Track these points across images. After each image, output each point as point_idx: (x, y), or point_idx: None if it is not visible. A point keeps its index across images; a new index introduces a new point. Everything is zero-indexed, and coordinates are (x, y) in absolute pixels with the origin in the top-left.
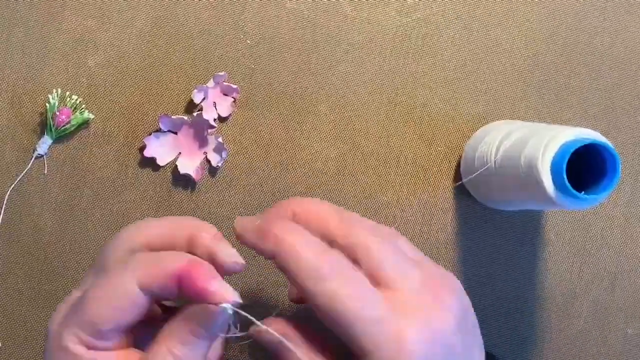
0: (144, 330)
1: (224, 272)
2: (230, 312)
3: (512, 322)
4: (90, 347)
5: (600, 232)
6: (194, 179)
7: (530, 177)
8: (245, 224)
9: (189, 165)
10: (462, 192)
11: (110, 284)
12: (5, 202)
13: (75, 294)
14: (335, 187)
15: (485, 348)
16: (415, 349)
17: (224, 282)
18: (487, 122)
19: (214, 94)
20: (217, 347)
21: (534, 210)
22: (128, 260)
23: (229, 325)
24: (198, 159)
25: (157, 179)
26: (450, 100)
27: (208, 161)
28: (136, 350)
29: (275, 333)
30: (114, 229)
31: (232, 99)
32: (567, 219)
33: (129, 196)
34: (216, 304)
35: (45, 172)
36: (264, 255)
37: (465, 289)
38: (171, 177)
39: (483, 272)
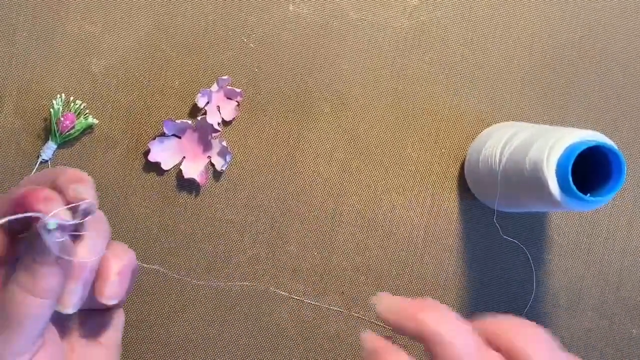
0: None
1: (71, 200)
2: (52, 225)
3: None
4: None
5: (605, 232)
6: (198, 183)
7: (535, 179)
8: (387, 303)
9: (193, 170)
10: (466, 193)
11: None
12: None
13: None
14: (339, 190)
15: None
16: None
17: (59, 203)
18: (491, 124)
19: (218, 97)
20: (77, 290)
21: (539, 211)
22: None
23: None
24: (202, 163)
25: (161, 184)
26: (454, 102)
27: (212, 165)
28: None
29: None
30: (119, 234)
31: (236, 103)
32: (572, 220)
33: (134, 201)
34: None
35: None
36: (408, 335)
37: (470, 290)
38: (176, 181)
39: (487, 273)
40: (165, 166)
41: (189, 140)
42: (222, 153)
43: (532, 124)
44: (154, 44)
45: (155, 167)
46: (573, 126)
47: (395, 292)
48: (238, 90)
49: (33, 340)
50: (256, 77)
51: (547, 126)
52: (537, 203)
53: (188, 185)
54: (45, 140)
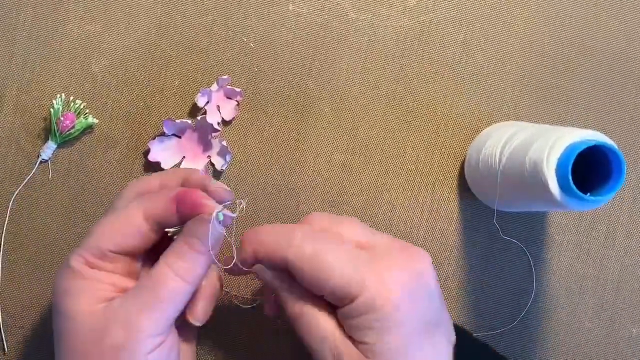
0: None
1: (216, 199)
2: (222, 217)
3: (517, 322)
4: (93, 267)
5: (605, 232)
6: None
7: (535, 178)
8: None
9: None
10: (465, 193)
11: (117, 214)
12: (10, 207)
13: None
14: (339, 189)
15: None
16: (398, 285)
17: (215, 202)
18: (491, 123)
19: (218, 97)
20: (214, 281)
21: (539, 211)
22: (136, 198)
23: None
24: (202, 162)
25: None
26: (454, 102)
27: (212, 165)
28: (129, 279)
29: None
30: None
31: (236, 102)
32: (572, 219)
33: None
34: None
35: (50, 177)
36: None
37: (469, 290)
38: None
39: (487, 272)
40: (165, 166)
41: (189, 140)
42: (222, 153)
43: (532, 124)
44: (154, 43)
45: (155, 167)
46: (573, 126)
47: None
48: (238, 89)
49: (170, 321)
50: (256, 76)
51: (547, 126)
52: (537, 202)
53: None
54: (45, 139)
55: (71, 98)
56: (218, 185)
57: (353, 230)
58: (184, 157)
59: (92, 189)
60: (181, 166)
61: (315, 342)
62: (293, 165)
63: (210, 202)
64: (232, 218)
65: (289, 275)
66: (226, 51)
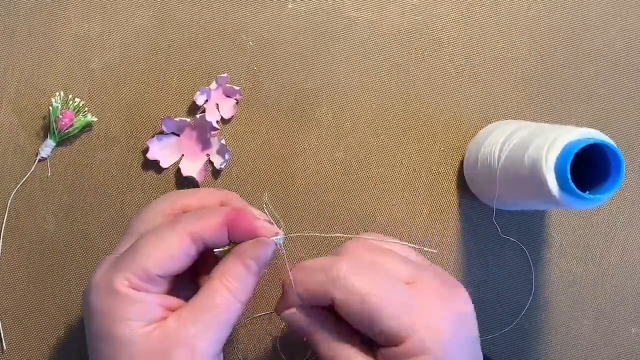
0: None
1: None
2: (281, 242)
3: (516, 322)
4: (138, 290)
5: (604, 231)
6: (197, 181)
7: (534, 177)
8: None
9: (192, 168)
10: (465, 192)
11: (162, 236)
12: (8, 205)
13: (111, 256)
14: (338, 188)
15: (489, 347)
16: (446, 327)
17: (265, 222)
18: (489, 123)
19: (217, 95)
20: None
21: (538, 209)
22: (177, 218)
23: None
24: (201, 161)
25: (160, 182)
26: (453, 101)
27: (211, 163)
28: (180, 299)
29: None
30: (117, 232)
31: (235, 101)
32: (571, 218)
33: (132, 199)
34: (266, 237)
35: (49, 175)
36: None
37: (468, 289)
38: (174, 179)
39: (486, 272)
40: (164, 164)
41: (188, 138)
42: (221, 151)
43: (531, 122)
44: (152, 41)
45: (153, 165)
46: (573, 125)
47: None
48: (237, 88)
49: (224, 342)
50: (255, 75)
51: (546, 124)
52: (536, 201)
53: (187, 183)
54: (44, 138)
55: (70, 96)
56: (259, 214)
57: (396, 264)
58: (182, 155)
59: (91, 187)
60: (180, 164)
61: None
62: (292, 163)
63: (267, 226)
64: (283, 239)
65: (323, 315)
66: (225, 49)
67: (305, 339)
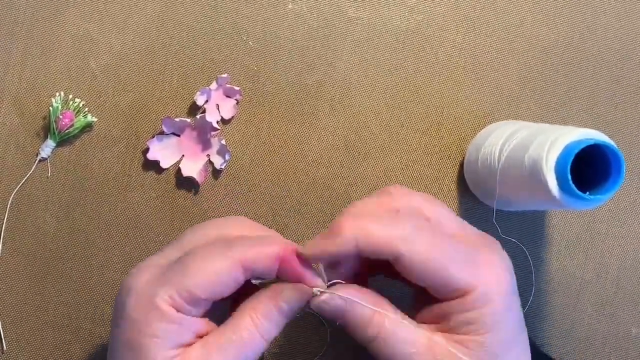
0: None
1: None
2: (317, 294)
3: None
4: (179, 311)
5: (605, 231)
6: (197, 182)
7: (534, 178)
8: (310, 244)
9: (192, 168)
10: (465, 193)
11: (213, 259)
12: (9, 205)
13: (159, 260)
14: (338, 188)
15: None
16: (506, 278)
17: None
18: (490, 122)
19: (217, 96)
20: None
21: (538, 210)
22: (230, 241)
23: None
24: (201, 161)
25: (160, 182)
26: (453, 101)
27: (211, 163)
28: (210, 321)
29: (341, 294)
30: (117, 232)
31: (235, 101)
32: (571, 218)
33: (132, 199)
34: (309, 287)
35: (49, 175)
36: (341, 255)
37: None
38: (174, 179)
39: None
40: (164, 164)
41: (188, 139)
42: (221, 151)
43: (531, 123)
44: (153, 41)
45: (154, 165)
46: (573, 125)
47: (395, 292)
48: (237, 88)
49: None
50: (255, 75)
51: (546, 125)
52: (536, 201)
53: (187, 184)
54: (44, 138)
55: (70, 96)
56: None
57: (449, 219)
58: (183, 155)
59: (91, 187)
60: (180, 165)
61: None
62: (293, 163)
63: (313, 279)
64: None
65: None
66: (225, 50)
67: (338, 323)
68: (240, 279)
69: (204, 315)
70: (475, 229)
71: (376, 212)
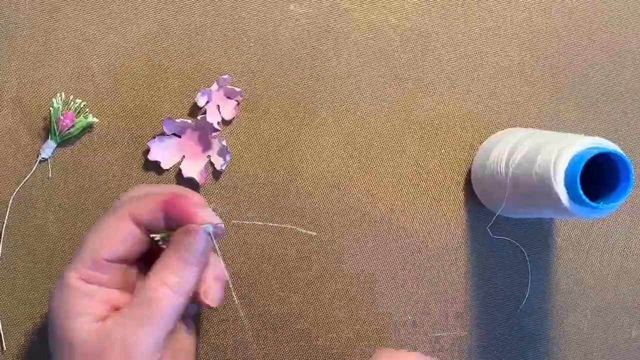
0: None
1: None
2: (211, 230)
3: (517, 323)
4: (89, 282)
5: (605, 233)
6: (197, 183)
7: (543, 187)
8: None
9: (192, 169)
10: (469, 196)
11: (104, 221)
12: (9, 206)
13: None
14: (340, 191)
15: (489, 348)
16: None
17: (208, 209)
18: (497, 130)
19: (218, 97)
20: (221, 266)
21: (544, 217)
22: (123, 202)
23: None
24: (202, 162)
25: (161, 183)
26: (458, 107)
27: (212, 164)
28: (124, 292)
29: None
30: None
31: (236, 102)
32: (572, 221)
33: None
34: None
35: (50, 176)
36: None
37: (469, 291)
38: (175, 180)
39: (485, 273)
40: (164, 165)
41: (189, 140)
42: (222, 152)
43: (539, 130)
44: (154, 42)
45: (155, 166)
46: (580, 131)
47: (397, 296)
48: (238, 89)
49: (165, 335)
50: (256, 76)
51: (554, 132)
52: (545, 210)
53: (187, 184)
54: (45, 138)
55: (71, 97)
56: (204, 205)
57: None
58: (183, 156)
59: (92, 188)
60: (181, 166)
61: None
62: (293, 165)
63: (201, 212)
64: (223, 230)
65: None
66: (227, 51)
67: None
68: (134, 232)
69: (120, 286)
70: None
71: None
